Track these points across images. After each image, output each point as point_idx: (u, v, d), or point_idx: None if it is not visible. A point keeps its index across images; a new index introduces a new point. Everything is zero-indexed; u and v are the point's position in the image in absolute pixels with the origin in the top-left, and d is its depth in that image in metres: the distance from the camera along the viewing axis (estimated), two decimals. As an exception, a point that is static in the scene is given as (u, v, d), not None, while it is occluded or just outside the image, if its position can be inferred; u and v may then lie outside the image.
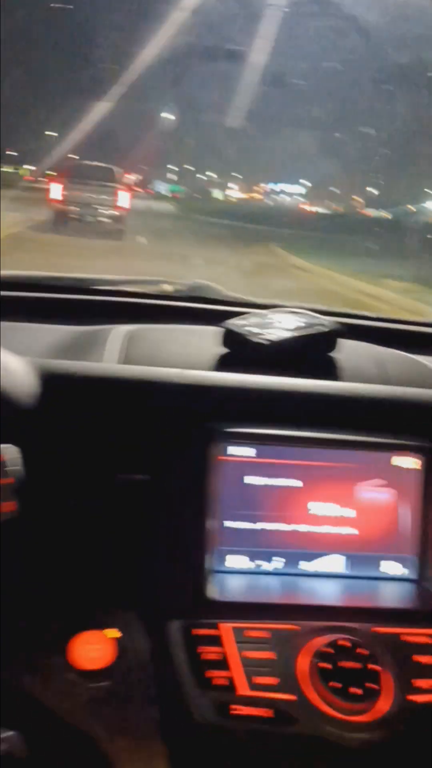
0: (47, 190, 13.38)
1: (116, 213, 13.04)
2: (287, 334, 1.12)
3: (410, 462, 1.00)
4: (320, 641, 0.86)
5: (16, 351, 0.96)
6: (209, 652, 0.84)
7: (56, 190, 13.28)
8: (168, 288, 1.57)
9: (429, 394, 1.05)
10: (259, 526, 0.98)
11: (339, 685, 0.82)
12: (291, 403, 1.00)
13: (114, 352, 1.13)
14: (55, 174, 14.54)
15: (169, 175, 34.86)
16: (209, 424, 0.96)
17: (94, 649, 0.83)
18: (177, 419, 0.96)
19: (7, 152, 22.81)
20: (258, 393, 1.00)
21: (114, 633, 0.84)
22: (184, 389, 0.98)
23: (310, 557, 0.99)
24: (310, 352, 1.12)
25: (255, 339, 1.10)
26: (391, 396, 1.03)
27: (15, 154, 24.02)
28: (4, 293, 1.36)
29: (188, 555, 0.91)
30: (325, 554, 0.99)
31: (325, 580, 0.98)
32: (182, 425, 0.95)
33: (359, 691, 0.82)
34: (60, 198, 13.15)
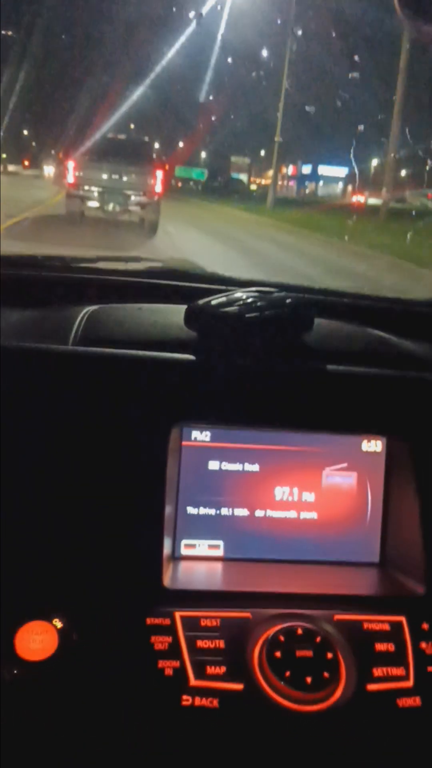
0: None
1: (149, 199, 10.91)
2: (254, 314, 1.11)
3: (373, 445, 1.01)
4: (274, 629, 0.86)
5: None
6: (162, 642, 0.85)
7: (69, 171, 10.92)
8: (143, 265, 1.58)
9: (393, 375, 1.04)
10: (222, 512, 0.98)
11: (291, 673, 0.83)
12: (254, 386, 1.00)
13: (78, 332, 1.14)
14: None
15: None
16: (168, 407, 0.96)
17: (38, 639, 0.84)
18: (133, 402, 0.96)
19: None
20: (220, 375, 1.00)
21: (59, 623, 0.85)
22: (141, 371, 0.98)
23: (273, 543, 0.99)
24: (276, 333, 1.12)
25: (220, 318, 1.10)
26: (355, 376, 1.03)
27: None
28: None
29: (145, 542, 0.91)
30: (289, 540, 0.99)
31: (288, 565, 0.98)
32: (139, 409, 0.95)
33: (309, 680, 0.82)
34: (73, 181, 10.90)
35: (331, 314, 1.34)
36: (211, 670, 0.84)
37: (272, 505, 0.99)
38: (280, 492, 0.99)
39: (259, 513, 0.99)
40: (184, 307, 1.16)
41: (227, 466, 0.99)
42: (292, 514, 1.00)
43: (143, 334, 1.14)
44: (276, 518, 0.99)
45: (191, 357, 1.01)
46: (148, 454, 0.94)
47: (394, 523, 1.00)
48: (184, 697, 0.82)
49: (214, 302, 1.14)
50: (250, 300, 1.16)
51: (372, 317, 1.40)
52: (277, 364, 1.02)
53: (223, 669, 0.84)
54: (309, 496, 1.00)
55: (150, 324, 1.20)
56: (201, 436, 0.98)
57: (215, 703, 0.82)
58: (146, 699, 0.82)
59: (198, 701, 0.82)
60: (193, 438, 0.98)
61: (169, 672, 0.83)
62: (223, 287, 1.33)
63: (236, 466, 0.99)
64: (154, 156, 11.97)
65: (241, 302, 1.15)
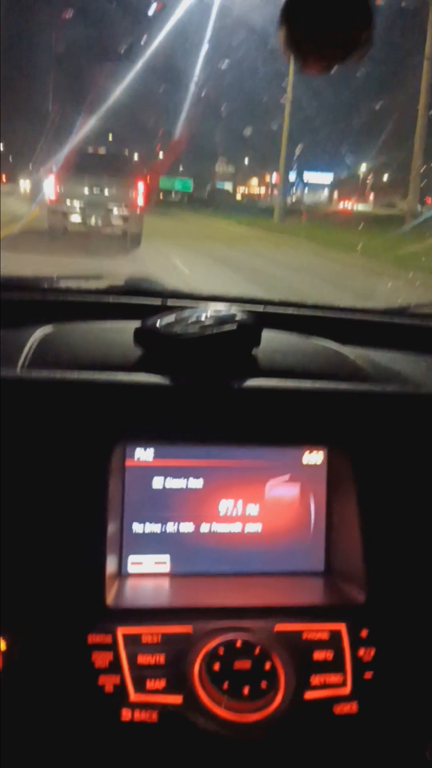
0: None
1: (131, 212, 10.98)
2: (196, 332, 1.14)
3: (314, 456, 1.03)
4: (213, 642, 0.89)
5: None
6: (102, 659, 0.87)
7: (50, 187, 10.96)
8: (105, 283, 1.60)
9: (335, 388, 1.07)
10: (168, 528, 1.00)
11: (228, 685, 0.85)
12: (195, 404, 1.02)
13: (28, 355, 1.16)
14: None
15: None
16: (110, 427, 0.98)
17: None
18: (75, 424, 0.98)
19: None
20: (162, 393, 1.02)
21: (2, 644, 0.87)
22: (82, 393, 1.00)
23: (219, 556, 1.01)
24: (223, 349, 1.15)
25: (162, 337, 1.12)
26: (300, 391, 1.05)
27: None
28: None
29: (87, 561, 0.93)
30: (235, 553, 1.01)
31: (234, 578, 1.00)
32: (80, 430, 0.97)
33: (246, 691, 0.85)
34: (54, 197, 10.94)
35: (287, 326, 1.37)
36: (151, 684, 0.86)
37: (217, 519, 1.01)
38: (225, 506, 1.02)
39: (204, 527, 1.01)
40: (134, 324, 1.19)
41: (171, 482, 1.01)
42: (237, 527, 1.02)
43: (93, 355, 1.16)
44: (221, 532, 1.01)
45: (134, 377, 1.04)
46: (89, 474, 0.96)
47: (337, 533, 1.03)
48: (124, 711, 0.84)
49: (160, 321, 1.17)
50: (197, 318, 1.19)
51: (328, 328, 1.43)
52: (218, 381, 1.04)
53: (163, 683, 0.86)
54: (253, 509, 1.02)
55: (101, 343, 1.22)
56: (144, 454, 1.00)
57: (154, 716, 0.84)
58: (87, 715, 0.85)
59: (138, 715, 0.84)
60: (136, 457, 1.00)
61: (109, 688, 0.86)
62: (185, 303, 1.36)
63: (180, 483, 1.01)
64: (134, 169, 11.94)
65: (189, 320, 1.17)
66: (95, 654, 0.87)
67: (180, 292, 1.55)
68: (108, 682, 0.86)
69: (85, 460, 0.96)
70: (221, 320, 1.17)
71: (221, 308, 1.23)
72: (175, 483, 1.01)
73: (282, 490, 1.03)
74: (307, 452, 1.03)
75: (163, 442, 1.00)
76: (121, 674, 0.86)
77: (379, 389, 1.08)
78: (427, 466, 1.02)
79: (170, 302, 1.45)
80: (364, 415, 1.04)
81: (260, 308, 1.47)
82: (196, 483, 1.01)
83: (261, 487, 1.02)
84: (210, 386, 1.03)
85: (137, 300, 1.50)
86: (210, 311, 1.21)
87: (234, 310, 1.22)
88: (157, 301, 1.47)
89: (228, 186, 38.08)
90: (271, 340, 1.23)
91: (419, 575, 0.98)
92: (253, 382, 1.05)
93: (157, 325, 1.15)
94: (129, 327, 1.18)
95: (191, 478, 1.01)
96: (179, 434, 1.01)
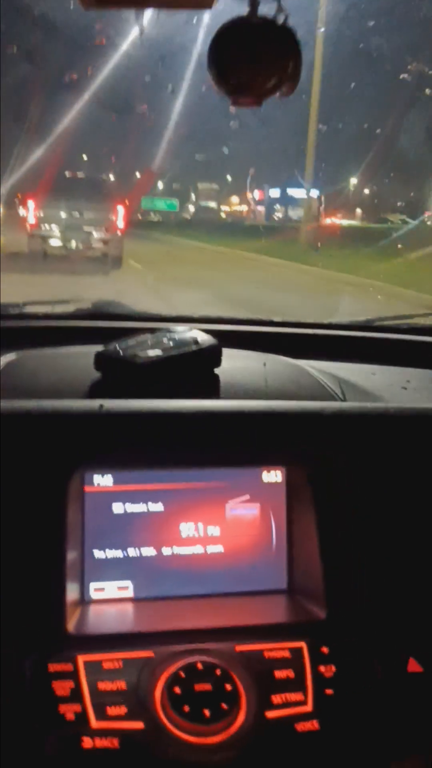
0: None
1: (111, 235, 11.23)
2: (161, 354, 1.16)
3: (273, 475, 1.04)
4: (175, 666, 0.89)
5: None
6: (62, 687, 0.87)
7: (29, 212, 11.12)
8: (72, 307, 1.63)
9: (294, 407, 1.08)
10: (129, 552, 1.01)
11: (190, 708, 0.86)
12: (153, 427, 1.03)
13: None
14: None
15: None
16: (67, 454, 0.99)
17: None
18: (32, 452, 0.99)
19: None
20: (119, 418, 1.03)
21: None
22: (40, 421, 1.01)
23: (182, 579, 1.02)
24: (182, 371, 1.16)
25: (119, 362, 1.14)
26: (257, 411, 1.06)
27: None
28: None
29: (47, 590, 0.94)
30: (198, 574, 1.02)
31: (198, 600, 1.01)
32: (37, 458, 0.98)
33: (207, 713, 0.85)
34: (34, 222, 11.12)
35: (253, 345, 1.39)
36: (112, 711, 0.86)
37: (178, 542, 1.02)
38: (186, 528, 1.03)
39: (166, 551, 1.02)
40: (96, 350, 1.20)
41: (131, 507, 1.02)
42: (198, 549, 1.03)
43: (55, 382, 1.18)
44: (183, 555, 1.02)
45: (90, 403, 1.05)
46: (47, 501, 0.96)
47: (298, 550, 1.04)
48: (85, 739, 0.85)
49: (120, 345, 1.19)
50: (157, 341, 1.21)
51: (294, 344, 1.45)
52: (174, 405, 1.06)
53: (124, 709, 0.87)
54: (214, 530, 1.03)
55: (64, 370, 1.24)
56: (103, 480, 1.01)
57: (115, 743, 0.85)
58: (48, 744, 0.85)
59: (99, 742, 0.85)
60: (95, 483, 1.01)
61: (70, 716, 0.86)
62: (152, 324, 1.38)
63: (140, 507, 1.02)
64: (113, 191, 12.39)
65: (149, 343, 1.20)
66: (56, 683, 0.88)
67: (146, 315, 1.58)
68: (69, 710, 0.86)
69: (43, 487, 0.97)
70: (181, 342, 1.20)
71: (183, 330, 1.25)
72: (135, 507, 1.02)
73: (242, 509, 1.04)
74: (265, 472, 1.05)
75: (122, 467, 1.02)
76: (82, 702, 0.87)
77: (336, 407, 1.10)
78: (384, 482, 1.04)
79: (137, 324, 1.48)
80: (321, 433, 1.06)
81: (224, 327, 1.50)
82: (156, 506, 1.02)
83: (221, 507, 1.03)
84: (166, 410, 1.05)
85: (104, 323, 1.52)
86: (171, 333, 1.23)
87: (195, 331, 1.24)
88: (125, 324, 1.50)
89: (212, 204, 38.21)
90: (233, 359, 1.26)
91: (378, 590, 0.99)
92: (209, 405, 1.07)
93: (117, 349, 1.17)
94: (92, 352, 1.20)
95: (151, 502, 1.02)
96: (137, 460, 1.02)
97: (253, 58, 0.69)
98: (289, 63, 0.70)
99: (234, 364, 1.25)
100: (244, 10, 0.69)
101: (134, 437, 1.02)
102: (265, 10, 0.69)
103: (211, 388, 1.17)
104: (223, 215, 36.54)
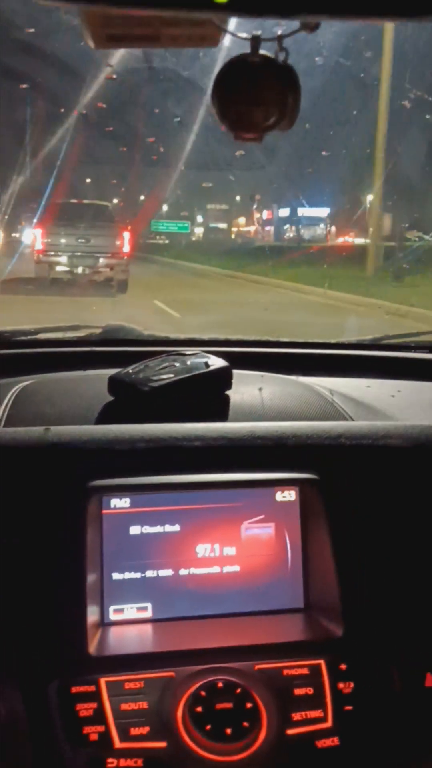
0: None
1: (117, 260, 11.46)
2: (173, 378, 1.19)
3: (287, 495, 1.06)
4: (195, 685, 0.91)
5: None
6: (86, 709, 0.89)
7: (37, 239, 11.44)
8: (83, 332, 1.66)
9: (304, 428, 1.11)
10: (147, 574, 1.03)
11: (211, 726, 0.88)
12: (168, 450, 1.06)
13: (6, 411, 1.20)
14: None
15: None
16: (84, 479, 1.01)
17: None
18: (49, 477, 1.01)
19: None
20: (134, 442, 1.05)
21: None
22: (56, 447, 1.04)
23: (199, 600, 1.04)
24: (194, 394, 1.19)
25: (138, 385, 1.17)
26: (269, 432, 1.09)
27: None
28: None
29: (68, 613, 0.96)
30: (214, 595, 1.04)
31: (215, 620, 1.03)
32: (55, 483, 1.01)
33: (229, 731, 0.87)
34: (42, 248, 11.35)
35: (263, 366, 1.42)
36: (134, 731, 0.88)
37: (195, 563, 1.04)
38: (202, 549, 1.05)
39: (183, 572, 1.04)
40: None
41: (148, 529, 1.04)
42: (215, 569, 1.05)
43: (70, 408, 1.21)
44: (200, 575, 1.04)
45: (103, 429, 1.07)
46: (65, 527, 0.99)
47: (314, 568, 1.05)
48: (109, 760, 0.87)
49: (132, 370, 1.22)
50: (169, 364, 1.24)
51: (303, 364, 1.48)
52: (186, 429, 1.08)
53: (147, 729, 0.88)
54: (230, 551, 1.05)
55: (78, 395, 1.27)
56: (120, 503, 1.04)
57: (139, 762, 0.87)
58: (74, 765, 0.87)
59: (123, 762, 0.87)
60: (112, 506, 1.03)
61: (94, 737, 0.88)
62: (163, 348, 1.41)
63: (157, 529, 1.04)
64: (119, 216, 12.84)
65: (160, 367, 1.23)
66: (79, 705, 0.90)
67: (156, 338, 1.61)
68: (93, 731, 0.88)
69: (62, 512, 0.99)
70: (193, 365, 1.23)
71: (194, 353, 1.28)
72: (152, 529, 1.04)
73: (257, 529, 1.06)
74: (279, 491, 1.07)
75: (138, 490, 1.04)
76: (106, 723, 0.89)
77: (345, 427, 1.12)
78: (398, 499, 1.06)
79: (147, 348, 1.51)
80: (331, 452, 1.08)
81: (234, 349, 1.52)
82: (173, 528, 1.04)
83: (237, 527, 1.05)
84: (180, 434, 1.07)
85: (115, 348, 1.55)
86: (182, 357, 1.26)
87: (206, 354, 1.27)
88: (135, 348, 1.53)
89: (221, 225, 38.34)
90: (244, 381, 1.28)
91: (394, 606, 1.01)
92: (221, 427, 1.10)
93: (130, 373, 1.20)
94: (105, 377, 1.23)
95: (167, 524, 1.04)
96: (153, 483, 1.04)
97: (253, 98, 0.72)
98: (288, 99, 0.73)
99: (244, 385, 1.27)
100: (248, 47, 0.72)
101: (148, 461, 1.05)
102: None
103: (223, 409, 1.19)
104: (232, 236, 36.50)
